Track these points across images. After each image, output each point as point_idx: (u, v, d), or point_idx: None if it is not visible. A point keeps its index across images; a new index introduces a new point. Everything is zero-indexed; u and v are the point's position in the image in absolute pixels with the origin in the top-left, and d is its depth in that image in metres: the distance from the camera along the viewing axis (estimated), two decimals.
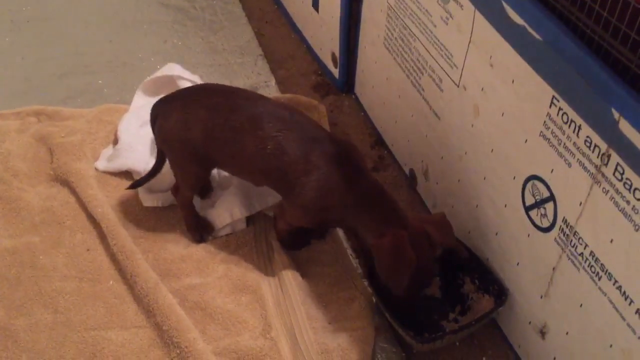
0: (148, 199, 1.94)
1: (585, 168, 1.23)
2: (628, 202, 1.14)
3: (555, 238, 1.37)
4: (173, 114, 1.68)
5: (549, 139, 1.32)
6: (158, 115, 1.73)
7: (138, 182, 1.90)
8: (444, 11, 1.61)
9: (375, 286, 1.64)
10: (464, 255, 1.65)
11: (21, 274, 1.76)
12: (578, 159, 1.25)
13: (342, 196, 1.56)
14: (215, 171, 1.98)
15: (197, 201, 1.92)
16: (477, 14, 1.47)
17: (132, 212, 1.93)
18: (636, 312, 1.18)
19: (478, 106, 1.56)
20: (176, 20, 2.79)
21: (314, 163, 1.57)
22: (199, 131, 1.65)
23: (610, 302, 1.25)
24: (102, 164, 2.04)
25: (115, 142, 2.10)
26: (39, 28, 2.69)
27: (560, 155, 1.30)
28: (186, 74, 2.25)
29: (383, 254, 1.48)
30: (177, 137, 1.69)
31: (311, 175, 1.57)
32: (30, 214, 1.91)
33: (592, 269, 1.28)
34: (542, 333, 1.50)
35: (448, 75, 1.67)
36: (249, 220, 1.92)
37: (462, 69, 1.59)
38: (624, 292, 1.20)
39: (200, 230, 1.87)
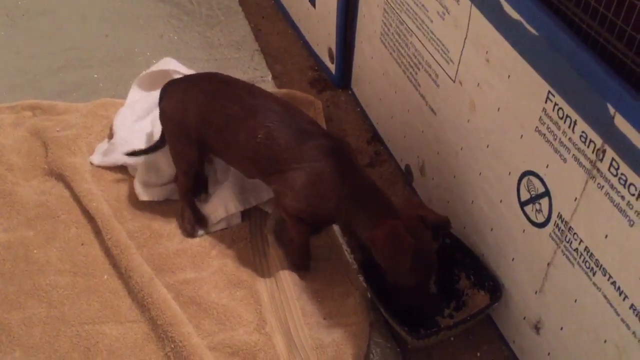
0: (144, 193, 1.93)
1: (580, 163, 1.23)
2: (623, 198, 1.14)
3: (550, 233, 1.38)
4: (174, 95, 1.75)
5: (545, 135, 1.32)
6: (165, 95, 1.79)
7: (138, 152, 1.95)
8: (441, 6, 1.60)
9: (372, 282, 1.64)
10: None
11: (15, 268, 1.76)
12: (573, 155, 1.25)
13: (336, 187, 1.56)
14: (212, 170, 1.99)
15: None
16: (474, 9, 1.47)
17: (127, 206, 1.93)
18: (630, 308, 1.19)
19: (474, 101, 1.56)
20: (172, 14, 2.78)
21: (307, 152, 1.58)
22: (194, 114, 1.69)
23: (605, 297, 1.25)
24: (97, 159, 2.04)
25: (111, 136, 2.09)
26: (34, 22, 2.68)
27: (556, 150, 1.30)
28: (182, 68, 2.25)
29: (380, 244, 1.47)
30: (174, 118, 1.74)
31: (304, 162, 1.57)
32: (25, 208, 1.90)
33: (587, 264, 1.28)
34: (537, 328, 1.50)
35: (444, 71, 1.66)
36: (244, 215, 1.91)
37: (458, 64, 1.59)
38: (619, 288, 1.21)
39: (194, 223, 1.86)
